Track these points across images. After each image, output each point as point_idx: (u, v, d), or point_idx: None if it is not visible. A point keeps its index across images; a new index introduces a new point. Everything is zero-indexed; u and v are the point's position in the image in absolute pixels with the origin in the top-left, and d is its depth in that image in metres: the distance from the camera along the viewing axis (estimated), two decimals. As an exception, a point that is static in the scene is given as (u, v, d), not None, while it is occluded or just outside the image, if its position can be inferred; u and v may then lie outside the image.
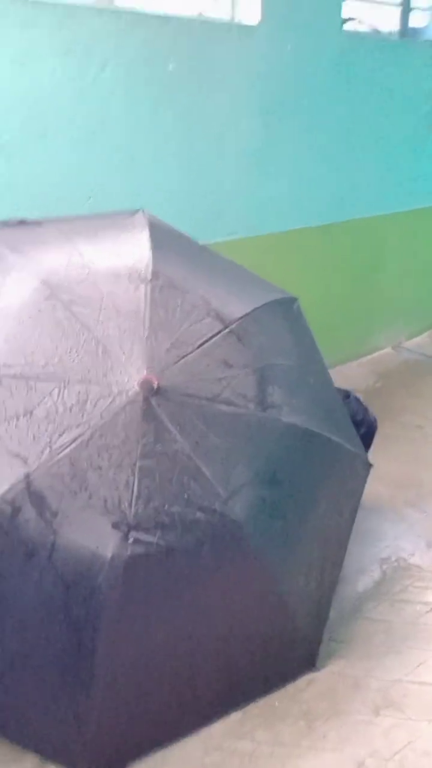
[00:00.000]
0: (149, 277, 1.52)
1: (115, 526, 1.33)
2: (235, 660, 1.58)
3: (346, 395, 2.19)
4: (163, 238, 1.68)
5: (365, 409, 2.25)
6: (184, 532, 1.38)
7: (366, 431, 2.17)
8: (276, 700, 1.66)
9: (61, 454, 1.32)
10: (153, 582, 1.39)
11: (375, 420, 2.27)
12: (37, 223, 1.73)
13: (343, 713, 1.63)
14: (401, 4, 3.40)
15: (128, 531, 1.33)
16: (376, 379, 3.56)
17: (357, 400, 2.26)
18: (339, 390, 2.01)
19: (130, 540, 1.33)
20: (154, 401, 1.37)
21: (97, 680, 1.38)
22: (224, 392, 1.50)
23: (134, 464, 1.35)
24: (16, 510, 1.29)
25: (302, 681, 1.71)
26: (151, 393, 1.37)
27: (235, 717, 1.61)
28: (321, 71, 2.94)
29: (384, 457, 2.66)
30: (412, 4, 3.42)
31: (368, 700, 1.67)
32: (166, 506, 1.37)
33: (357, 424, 2.01)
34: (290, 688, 1.69)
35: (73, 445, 1.33)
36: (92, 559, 1.32)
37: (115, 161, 2.37)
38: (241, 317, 1.60)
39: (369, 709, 1.65)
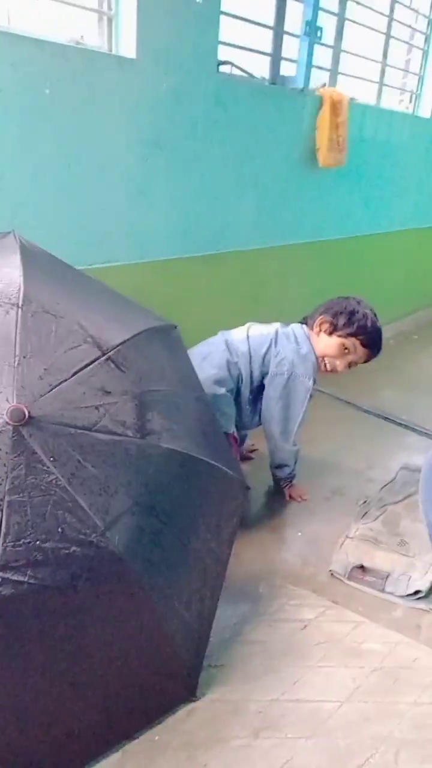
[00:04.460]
0: (21, 302, 1.46)
1: (-18, 567, 1.25)
2: (114, 697, 1.53)
3: None
4: (35, 261, 1.63)
5: None
6: (59, 568, 1.33)
7: None
8: (156, 734, 1.62)
9: None
10: (25, 622, 1.32)
11: None
12: None
13: (223, 740, 1.63)
14: (272, 54, 3.63)
15: (-4, 571, 1.26)
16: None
17: None
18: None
19: (-2, 581, 1.25)
20: (25, 432, 1.32)
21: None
22: (102, 420, 1.47)
23: (2, 500, 1.28)
24: None
25: (182, 711, 1.69)
26: (22, 423, 1.31)
27: (114, 758, 1.56)
28: (197, 109, 3.05)
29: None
30: (282, 54, 3.66)
31: (248, 723, 1.68)
32: (39, 542, 1.31)
33: None
34: (170, 720, 1.66)
35: None
36: None
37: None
38: (120, 343, 1.59)
39: (248, 732, 1.66)
